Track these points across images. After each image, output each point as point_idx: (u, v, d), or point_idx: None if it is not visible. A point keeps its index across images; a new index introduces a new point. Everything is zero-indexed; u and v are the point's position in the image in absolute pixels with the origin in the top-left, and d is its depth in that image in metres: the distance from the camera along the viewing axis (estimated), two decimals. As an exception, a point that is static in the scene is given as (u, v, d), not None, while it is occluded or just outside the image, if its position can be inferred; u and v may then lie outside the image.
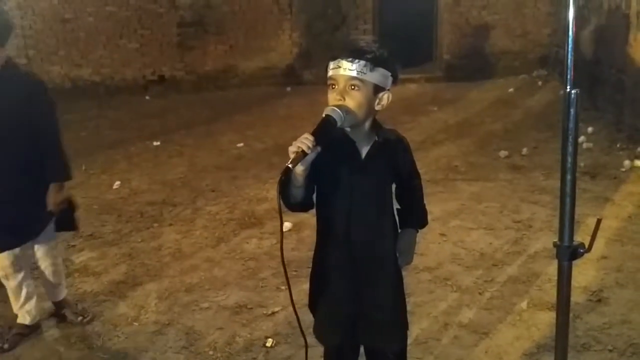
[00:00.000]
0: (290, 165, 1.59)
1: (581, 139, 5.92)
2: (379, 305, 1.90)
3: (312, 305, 2.00)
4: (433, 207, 4.32)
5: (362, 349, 2.05)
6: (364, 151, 1.82)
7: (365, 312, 1.90)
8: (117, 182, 5.56)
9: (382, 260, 1.89)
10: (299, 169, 1.63)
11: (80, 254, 4.08)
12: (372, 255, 1.87)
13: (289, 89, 9.72)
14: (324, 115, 1.69)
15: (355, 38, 1.83)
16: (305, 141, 1.60)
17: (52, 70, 10.01)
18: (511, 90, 8.82)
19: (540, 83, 9.08)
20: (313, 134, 1.62)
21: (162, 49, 10.05)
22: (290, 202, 1.76)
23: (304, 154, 1.60)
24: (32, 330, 3.06)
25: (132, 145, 6.96)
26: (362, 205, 1.84)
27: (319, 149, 1.63)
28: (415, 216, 2.05)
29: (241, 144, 6.71)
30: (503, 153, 5.77)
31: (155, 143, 6.97)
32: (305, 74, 9.82)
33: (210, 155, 6.43)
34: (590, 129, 6.17)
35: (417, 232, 2.06)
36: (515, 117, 7.35)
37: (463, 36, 9.67)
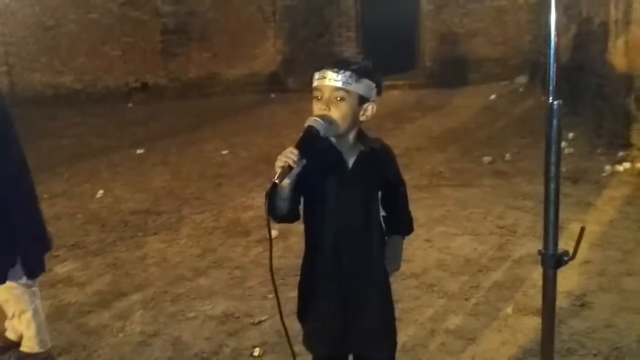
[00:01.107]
0: (277, 181, 1.61)
1: (562, 144, 5.96)
2: (368, 313, 1.90)
3: (301, 316, 2.00)
4: (418, 213, 4.33)
5: (350, 358, 2.05)
6: (351, 161, 1.84)
7: (354, 321, 1.90)
8: (101, 191, 5.52)
9: (370, 269, 1.90)
10: (285, 182, 1.65)
11: (64, 265, 4.03)
12: (360, 264, 1.88)
13: (273, 96, 9.74)
14: (306, 126, 1.70)
15: (340, 51, 1.86)
16: (290, 155, 1.61)
17: (33, 77, 9.94)
18: (493, 96, 8.92)
19: (521, 89, 9.20)
20: (297, 147, 1.63)
21: (145, 56, 10.02)
22: (276, 214, 1.76)
23: (290, 168, 1.61)
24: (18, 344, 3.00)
25: (115, 154, 6.92)
26: (349, 215, 1.85)
27: (304, 161, 1.64)
28: (402, 223, 2.07)
29: (226, 152, 6.70)
30: (486, 159, 5.83)
31: (138, 151, 6.93)
32: (289, 82, 9.85)
33: (195, 163, 6.41)
34: (571, 135, 6.26)
35: (404, 239, 2.08)
36: (497, 123, 7.44)
37: (445, 43, 9.77)
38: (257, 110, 8.89)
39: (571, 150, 5.86)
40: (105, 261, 4.07)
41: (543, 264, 1.65)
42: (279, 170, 1.61)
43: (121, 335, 3.12)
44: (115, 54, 9.98)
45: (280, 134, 7.13)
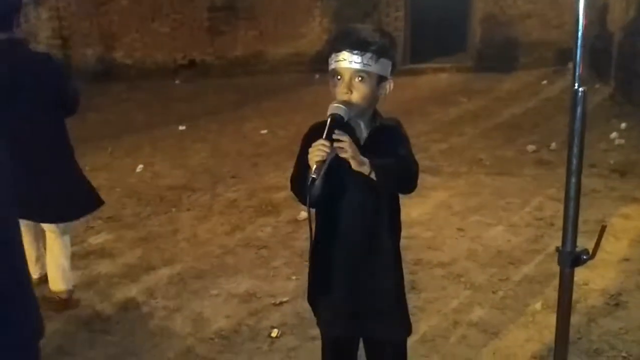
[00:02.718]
0: (314, 176, 1.61)
1: (613, 134, 5.72)
2: (378, 294, 1.87)
3: (312, 299, 1.98)
4: (453, 201, 4.24)
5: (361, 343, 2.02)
6: (363, 137, 1.81)
7: (365, 301, 1.87)
8: (140, 166, 5.62)
9: (381, 249, 1.86)
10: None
11: (98, 236, 4.14)
12: (371, 244, 1.84)
13: (317, 76, 9.64)
14: (330, 114, 1.67)
15: (355, 27, 1.81)
16: (323, 148, 1.61)
17: (85, 52, 10.17)
18: (544, 82, 8.58)
19: (575, 75, 8.80)
20: (326, 138, 1.62)
21: (192, 34, 10.09)
22: (311, 201, 1.73)
23: (323, 161, 1.62)
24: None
25: (157, 129, 7.03)
26: (360, 193, 1.81)
27: (335, 150, 1.64)
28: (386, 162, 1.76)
29: (265, 131, 6.70)
30: (530, 147, 5.62)
31: (180, 127, 7.02)
32: (334, 62, 9.72)
33: (234, 141, 6.44)
34: (623, 125, 5.95)
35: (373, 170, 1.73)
36: (546, 110, 7.14)
37: (497, 25, 9.42)
38: (300, 90, 8.83)
39: (622, 141, 5.57)
40: (138, 235, 4.15)
41: (560, 262, 1.55)
42: (314, 166, 1.61)
43: (145, 308, 3.18)
44: (164, 30, 10.09)
45: (319, 115, 7.03)
